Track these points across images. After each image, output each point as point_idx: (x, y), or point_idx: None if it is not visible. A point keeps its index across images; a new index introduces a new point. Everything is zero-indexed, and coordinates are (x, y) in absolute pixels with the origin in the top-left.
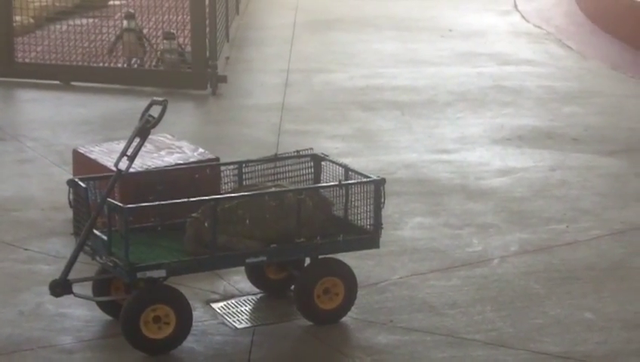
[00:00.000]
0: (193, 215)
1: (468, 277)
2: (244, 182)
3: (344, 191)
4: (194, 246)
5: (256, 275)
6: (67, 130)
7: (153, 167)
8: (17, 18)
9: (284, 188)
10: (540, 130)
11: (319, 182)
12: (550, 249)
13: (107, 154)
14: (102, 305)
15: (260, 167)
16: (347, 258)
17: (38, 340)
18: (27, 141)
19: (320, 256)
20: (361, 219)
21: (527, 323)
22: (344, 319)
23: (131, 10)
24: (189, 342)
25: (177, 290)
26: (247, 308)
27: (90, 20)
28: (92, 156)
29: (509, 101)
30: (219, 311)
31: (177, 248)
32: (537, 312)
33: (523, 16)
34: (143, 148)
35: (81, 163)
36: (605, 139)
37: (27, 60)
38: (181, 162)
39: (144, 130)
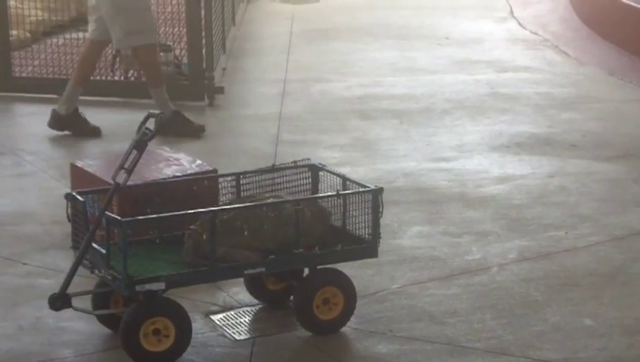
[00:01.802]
0: (192, 227)
1: (467, 285)
2: (242, 194)
3: (342, 201)
4: (193, 259)
5: (255, 286)
6: (65, 144)
7: (151, 179)
8: (14, 32)
9: (282, 199)
10: (538, 137)
11: (317, 193)
12: (549, 255)
13: (105, 167)
14: (101, 319)
15: (257, 178)
16: (346, 268)
17: (37, 354)
18: (25, 155)
19: (319, 266)
20: (359, 229)
21: (527, 331)
22: (344, 329)
23: None
24: (188, 354)
25: (176, 303)
26: (246, 320)
27: (87, 34)
28: (90, 170)
29: (507, 108)
30: (218, 322)
31: (176, 260)
32: (537, 319)
33: (519, 23)
34: (141, 161)
35: (79, 176)
36: (603, 145)
37: (24, 75)
38: (179, 174)
39: (141, 142)
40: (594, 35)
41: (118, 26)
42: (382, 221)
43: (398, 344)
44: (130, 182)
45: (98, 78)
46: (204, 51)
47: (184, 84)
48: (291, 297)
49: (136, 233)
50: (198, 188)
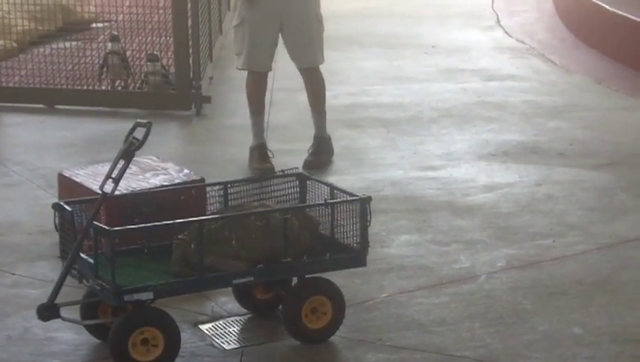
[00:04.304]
0: (179, 236)
1: (456, 294)
2: (229, 203)
3: (330, 210)
4: (181, 268)
5: (243, 296)
6: (52, 154)
7: (139, 189)
8: (0, 42)
9: (269, 208)
10: (525, 145)
11: (305, 202)
12: (537, 264)
13: (92, 177)
14: (90, 329)
15: (245, 187)
16: (334, 277)
17: None
18: (12, 165)
19: (307, 276)
20: (347, 238)
21: (516, 339)
22: (332, 338)
23: (115, 33)
24: None
25: (165, 312)
26: (235, 329)
27: (74, 43)
28: (77, 179)
29: (494, 116)
30: (207, 332)
31: (164, 270)
32: (526, 328)
33: (506, 32)
34: (128, 171)
35: (67, 186)
36: (591, 153)
37: (11, 84)
38: (167, 184)
39: (128, 152)
40: (580, 44)
41: None
42: (370, 230)
43: (387, 353)
44: (117, 192)
45: (84, 87)
46: (191, 60)
47: (171, 94)
48: (280, 306)
49: (123, 243)
50: (186, 197)
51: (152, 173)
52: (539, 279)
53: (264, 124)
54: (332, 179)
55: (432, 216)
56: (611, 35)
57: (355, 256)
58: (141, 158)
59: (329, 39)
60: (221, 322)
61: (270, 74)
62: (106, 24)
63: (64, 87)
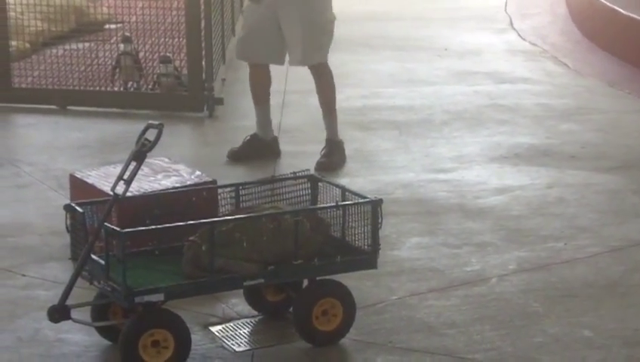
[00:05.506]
0: (191, 238)
1: (466, 297)
2: (241, 205)
3: (341, 212)
4: (192, 270)
5: (254, 298)
6: (64, 155)
7: (150, 190)
8: (13, 43)
9: (281, 210)
10: (536, 148)
11: (316, 204)
12: (548, 267)
13: (104, 178)
14: (100, 330)
15: (257, 189)
16: (345, 279)
17: None
18: (24, 166)
19: (318, 278)
20: (358, 240)
21: (527, 342)
22: (343, 340)
23: (127, 34)
24: None
25: (176, 314)
26: (245, 331)
27: (87, 44)
28: (89, 180)
29: (506, 119)
30: (217, 334)
31: (175, 272)
32: (536, 331)
33: (519, 35)
34: (140, 172)
35: (78, 187)
36: (603, 156)
37: (24, 85)
38: (178, 185)
39: (140, 153)
40: (594, 47)
41: None
42: (381, 232)
43: (398, 355)
44: (129, 193)
45: (97, 89)
46: (203, 62)
47: (184, 95)
48: (290, 308)
49: (135, 244)
50: (197, 199)
51: (163, 174)
52: (550, 282)
53: (264, 118)
54: (343, 181)
55: (443, 218)
56: (625, 38)
57: (366, 258)
58: (153, 160)
59: (341, 42)
60: (232, 324)
61: (282, 76)
62: (119, 25)
63: (77, 88)
